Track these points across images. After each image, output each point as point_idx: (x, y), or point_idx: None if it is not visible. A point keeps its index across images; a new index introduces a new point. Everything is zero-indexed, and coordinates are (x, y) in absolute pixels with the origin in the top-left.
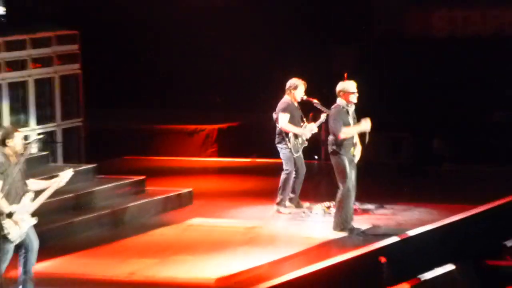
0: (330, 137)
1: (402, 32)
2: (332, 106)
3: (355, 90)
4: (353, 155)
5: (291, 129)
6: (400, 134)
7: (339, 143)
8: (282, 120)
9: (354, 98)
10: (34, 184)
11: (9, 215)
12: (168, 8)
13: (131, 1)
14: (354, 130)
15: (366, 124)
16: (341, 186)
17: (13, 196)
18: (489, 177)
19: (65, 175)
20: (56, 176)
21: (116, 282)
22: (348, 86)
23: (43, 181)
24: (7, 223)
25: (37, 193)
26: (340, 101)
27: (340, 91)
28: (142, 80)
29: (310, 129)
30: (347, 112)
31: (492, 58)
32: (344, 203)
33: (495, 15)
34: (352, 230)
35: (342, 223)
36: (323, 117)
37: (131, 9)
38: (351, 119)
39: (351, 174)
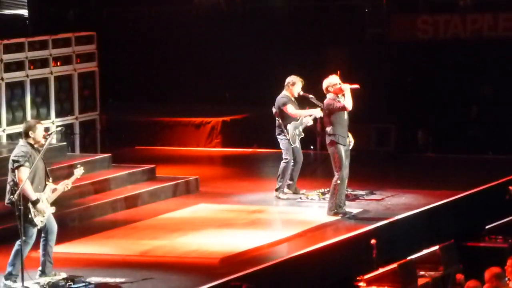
0: (328, 128)
1: (388, 35)
2: (325, 101)
3: (339, 81)
4: (350, 143)
5: (301, 113)
6: (388, 125)
7: (336, 133)
8: (290, 110)
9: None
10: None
11: (35, 202)
12: (179, 7)
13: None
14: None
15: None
16: (336, 173)
17: (36, 184)
18: (469, 165)
19: (78, 172)
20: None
21: (129, 262)
22: (333, 80)
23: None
24: (33, 209)
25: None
26: (330, 95)
27: (328, 87)
28: (154, 75)
29: (307, 121)
30: (339, 100)
31: (470, 58)
32: (338, 190)
33: (474, 19)
34: (344, 214)
35: (335, 208)
36: (318, 111)
37: (144, 6)
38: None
39: (346, 162)
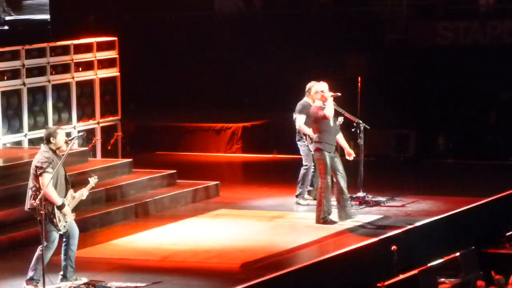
0: (314, 136)
1: (408, 41)
2: (311, 108)
3: (326, 88)
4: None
5: (307, 130)
6: (407, 131)
7: (322, 140)
8: (298, 121)
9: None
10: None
11: (61, 206)
12: (199, 12)
13: (163, 7)
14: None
15: None
16: (320, 181)
17: (59, 189)
18: (489, 171)
19: (93, 181)
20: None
21: (150, 267)
22: (320, 87)
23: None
24: (58, 213)
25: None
26: (318, 102)
27: (311, 90)
28: (175, 80)
29: None
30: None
31: (490, 64)
32: (324, 197)
33: (494, 26)
34: (333, 222)
35: (324, 215)
36: (340, 119)
37: (164, 12)
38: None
39: (339, 167)
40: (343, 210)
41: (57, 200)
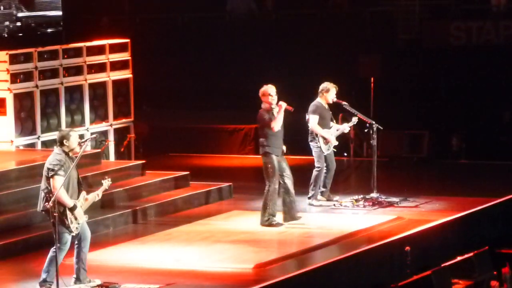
0: (261, 139)
1: (421, 41)
2: (260, 113)
3: (274, 93)
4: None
5: (319, 131)
6: (421, 131)
7: (270, 145)
8: (312, 122)
9: (273, 101)
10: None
11: (73, 208)
12: (211, 14)
13: (175, 8)
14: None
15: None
16: (268, 184)
17: (71, 192)
18: (503, 171)
19: (106, 183)
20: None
21: (162, 268)
22: (269, 90)
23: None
24: (70, 215)
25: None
26: (265, 106)
27: (262, 95)
28: (187, 81)
29: (342, 128)
30: (273, 113)
31: (503, 64)
32: (270, 200)
33: (507, 25)
34: (278, 224)
35: (268, 218)
36: (354, 119)
37: (176, 13)
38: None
39: (285, 168)
40: (288, 212)
41: (69, 202)
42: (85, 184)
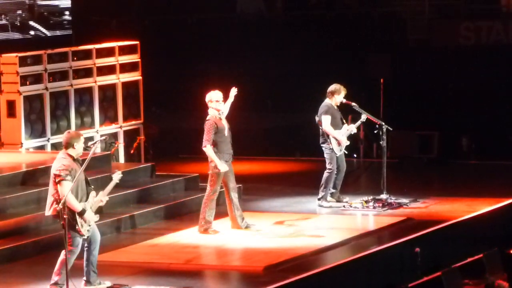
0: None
1: (430, 41)
2: (207, 118)
3: (220, 99)
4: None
5: (332, 132)
6: (431, 132)
7: (219, 151)
8: (325, 122)
9: (220, 106)
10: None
11: (82, 212)
12: (220, 15)
13: (184, 10)
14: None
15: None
16: (209, 189)
17: (80, 195)
18: None
19: (116, 176)
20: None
21: (173, 270)
22: (213, 96)
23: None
24: (79, 219)
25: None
26: (213, 112)
27: (209, 101)
28: (196, 83)
29: (351, 129)
30: (220, 119)
31: None
32: (208, 205)
33: None
34: (214, 232)
35: (205, 224)
36: (363, 117)
37: (185, 15)
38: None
39: (231, 178)
40: (234, 220)
41: (77, 206)
42: (96, 187)
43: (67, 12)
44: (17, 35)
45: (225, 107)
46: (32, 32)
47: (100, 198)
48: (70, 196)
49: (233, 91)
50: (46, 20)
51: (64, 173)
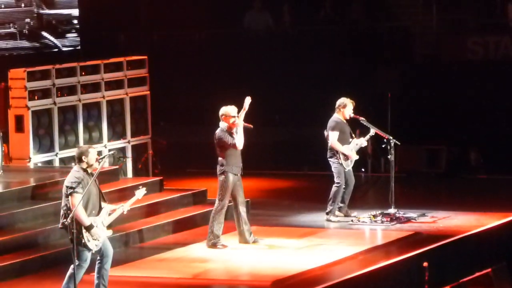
0: (220, 159)
1: (438, 56)
2: (217, 132)
3: (236, 114)
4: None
5: (339, 148)
6: (439, 146)
7: (229, 164)
8: (332, 138)
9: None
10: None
11: (89, 227)
12: (228, 30)
13: (192, 25)
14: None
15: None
16: (217, 203)
17: (90, 209)
18: None
19: (140, 193)
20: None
21: (181, 284)
22: (230, 111)
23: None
24: (86, 234)
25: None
26: (223, 125)
27: (222, 115)
28: (204, 97)
29: (360, 142)
30: (230, 134)
31: None
32: (216, 219)
33: None
34: (223, 247)
35: (214, 238)
36: (372, 131)
37: (193, 30)
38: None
39: (240, 192)
40: (242, 235)
41: (86, 221)
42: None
43: (75, 21)
44: (25, 43)
45: (240, 119)
46: (41, 41)
47: (118, 211)
48: (80, 209)
49: (248, 100)
50: (54, 28)
51: (76, 185)
